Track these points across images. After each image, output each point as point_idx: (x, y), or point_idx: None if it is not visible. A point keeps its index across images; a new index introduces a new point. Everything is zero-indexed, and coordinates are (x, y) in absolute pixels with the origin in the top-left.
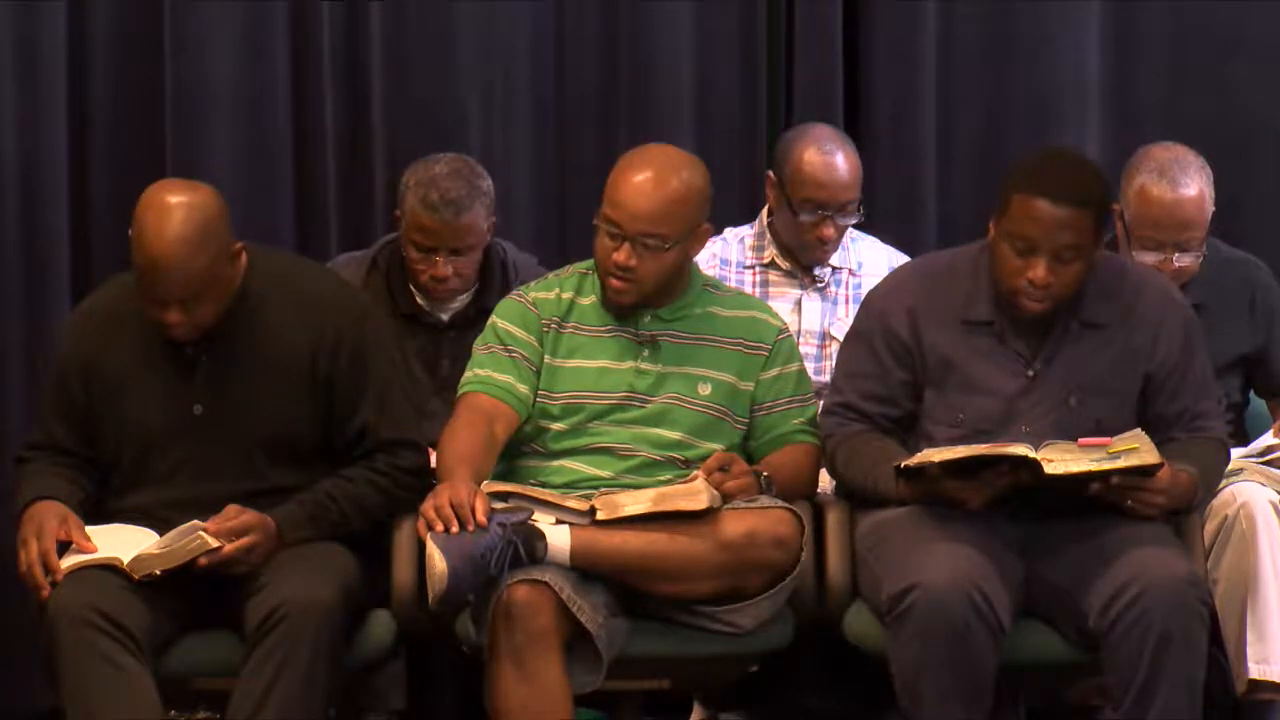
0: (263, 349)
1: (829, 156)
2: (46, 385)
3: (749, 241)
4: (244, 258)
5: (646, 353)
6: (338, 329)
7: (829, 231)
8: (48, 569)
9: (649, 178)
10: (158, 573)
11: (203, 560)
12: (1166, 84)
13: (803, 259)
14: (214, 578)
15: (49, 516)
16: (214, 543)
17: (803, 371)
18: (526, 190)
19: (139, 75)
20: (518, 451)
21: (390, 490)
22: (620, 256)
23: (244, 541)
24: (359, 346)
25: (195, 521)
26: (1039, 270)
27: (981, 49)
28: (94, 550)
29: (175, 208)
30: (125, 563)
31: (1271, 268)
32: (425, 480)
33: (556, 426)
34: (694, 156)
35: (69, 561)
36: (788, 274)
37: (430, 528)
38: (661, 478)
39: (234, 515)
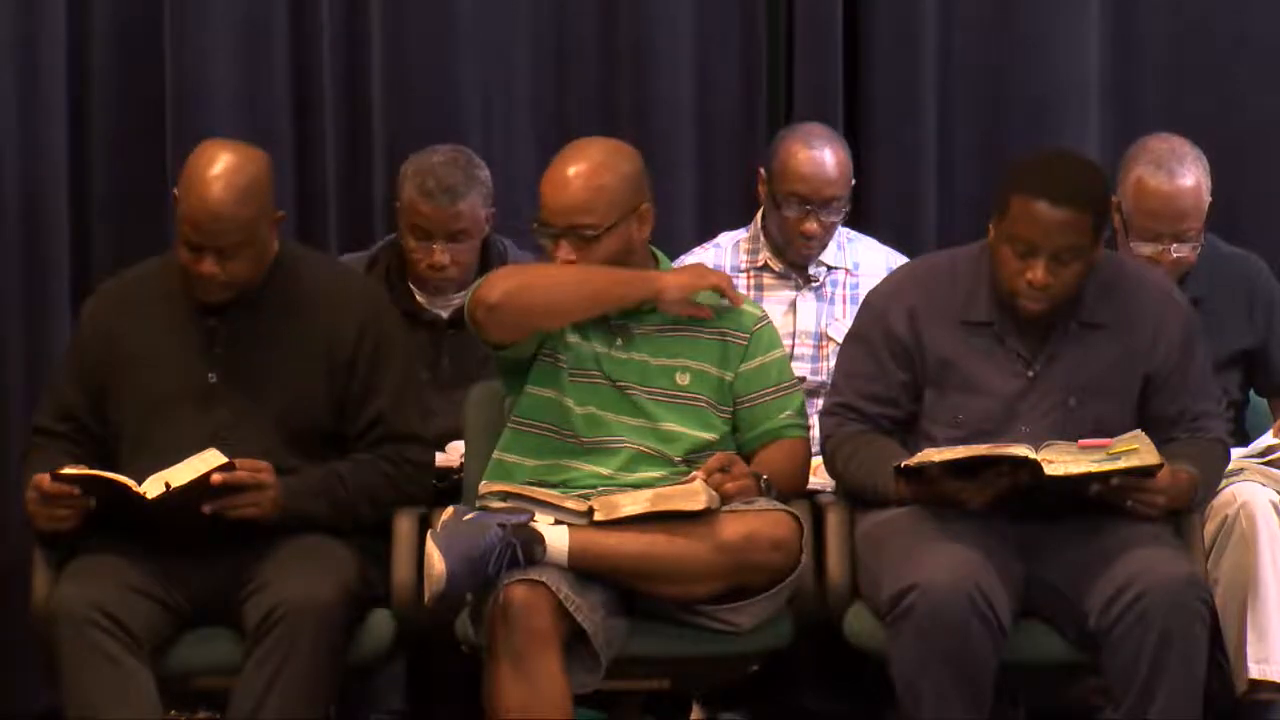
0: (285, 328)
1: (815, 151)
2: (65, 350)
3: (744, 245)
4: (277, 239)
5: (619, 342)
6: (362, 318)
7: (812, 227)
8: (45, 494)
9: (565, 171)
10: (170, 485)
11: (216, 477)
12: (1166, 84)
13: (789, 255)
14: (215, 563)
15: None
16: (225, 459)
17: (783, 359)
18: (527, 189)
19: (139, 74)
20: (509, 449)
21: (398, 481)
22: (561, 253)
23: (259, 473)
24: (381, 337)
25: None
26: (1039, 271)
27: (981, 49)
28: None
29: (227, 160)
30: (138, 486)
31: (1271, 266)
32: (431, 478)
33: (540, 422)
34: (620, 143)
35: (84, 471)
36: (781, 275)
37: (430, 527)
38: (652, 474)
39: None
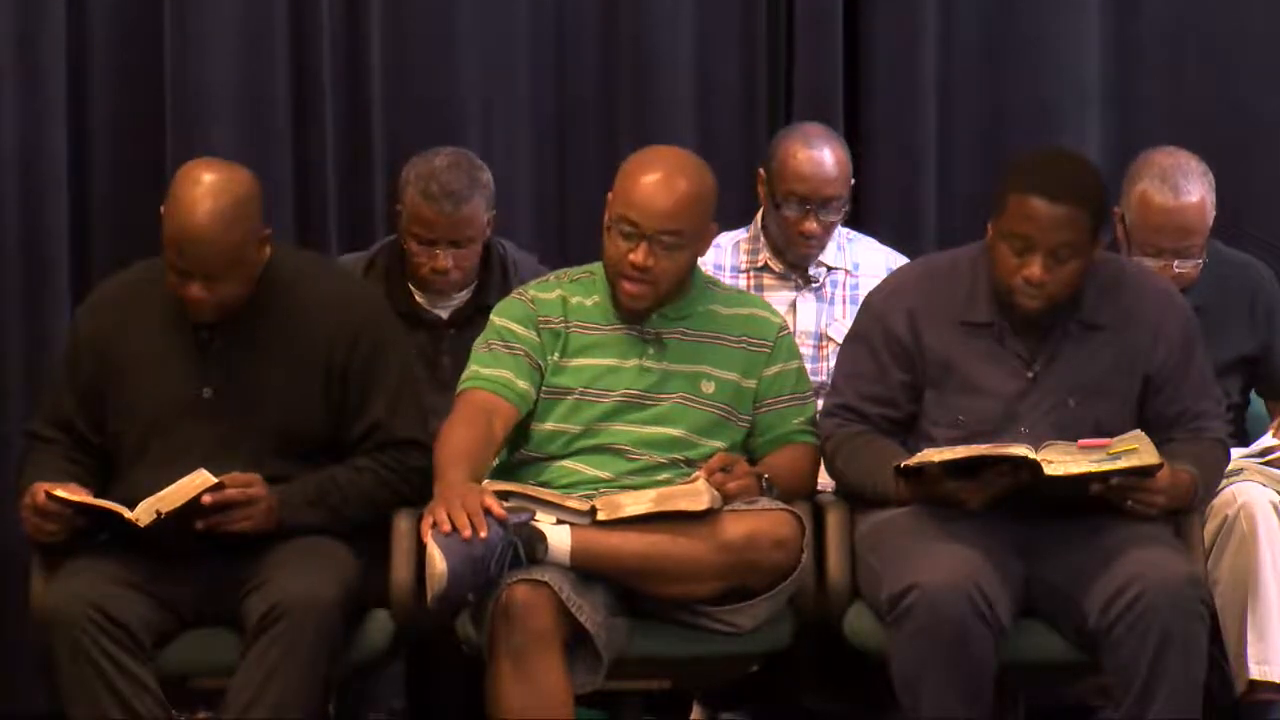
0: (279, 338)
1: (814, 151)
2: (59, 359)
3: (744, 245)
4: (270, 248)
5: (651, 351)
6: (356, 325)
7: (811, 226)
8: (37, 508)
9: (663, 177)
10: (161, 513)
11: (206, 498)
12: (1166, 84)
13: (789, 255)
14: (214, 563)
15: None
16: (214, 479)
17: (802, 369)
18: (526, 190)
19: (139, 74)
20: (520, 451)
21: (396, 486)
22: (637, 257)
23: (250, 487)
24: (377, 344)
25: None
26: (1035, 269)
27: (981, 49)
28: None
29: (211, 183)
30: (129, 513)
31: (1271, 268)
32: (429, 482)
33: (559, 425)
34: (698, 157)
35: (78, 497)
36: (781, 276)
37: (433, 526)
38: (663, 477)
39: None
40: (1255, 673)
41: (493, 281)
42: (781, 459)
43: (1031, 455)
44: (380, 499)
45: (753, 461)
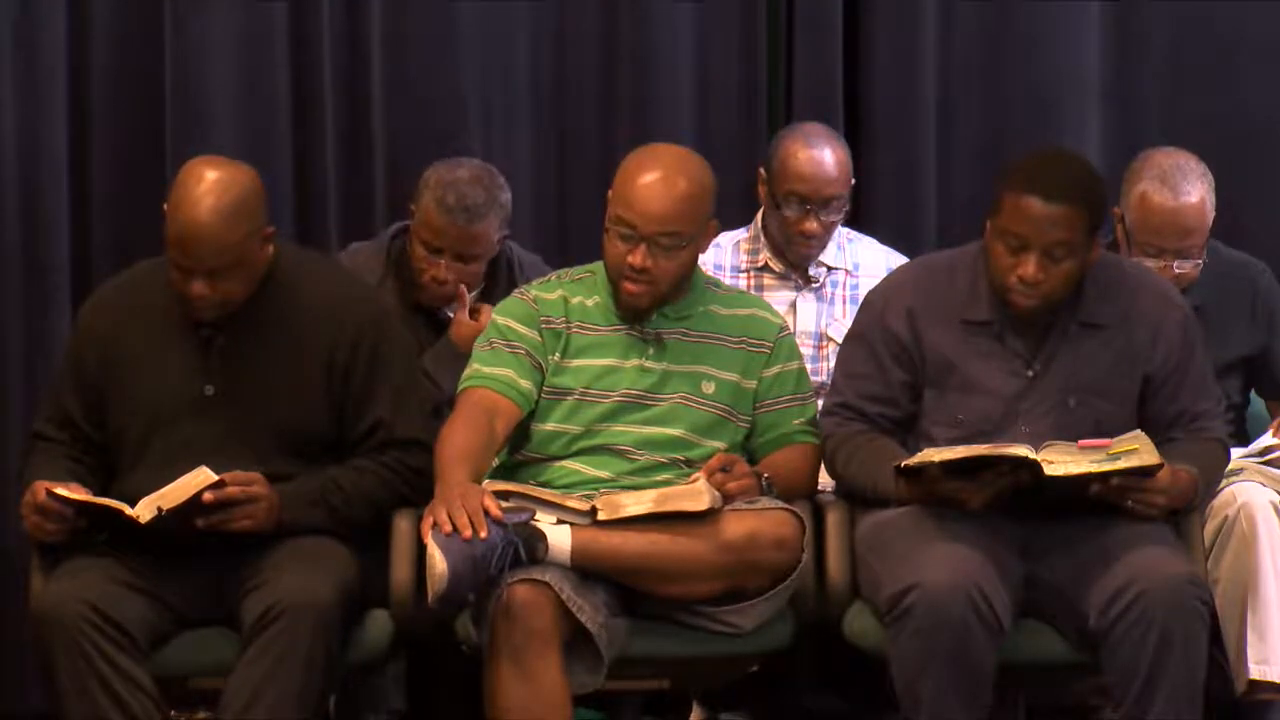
0: (281, 336)
1: (814, 151)
2: (62, 358)
3: (744, 245)
4: (272, 247)
5: (651, 351)
6: (359, 325)
7: (812, 226)
8: (37, 506)
9: (660, 177)
10: (162, 509)
11: (208, 496)
12: (1166, 84)
13: (790, 255)
14: (213, 563)
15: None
16: (215, 476)
17: (802, 369)
18: (527, 190)
19: (139, 74)
20: (520, 451)
21: (397, 486)
22: (636, 259)
23: (251, 486)
24: (379, 343)
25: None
26: (1029, 267)
27: (981, 49)
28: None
29: (214, 180)
30: (130, 510)
31: (1272, 268)
32: (431, 482)
33: (559, 426)
34: (696, 153)
35: (78, 496)
36: (781, 276)
37: (434, 526)
38: (663, 477)
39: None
40: (1255, 673)
41: (499, 282)
42: (782, 459)
43: (1031, 455)
44: (382, 499)
45: (753, 462)
